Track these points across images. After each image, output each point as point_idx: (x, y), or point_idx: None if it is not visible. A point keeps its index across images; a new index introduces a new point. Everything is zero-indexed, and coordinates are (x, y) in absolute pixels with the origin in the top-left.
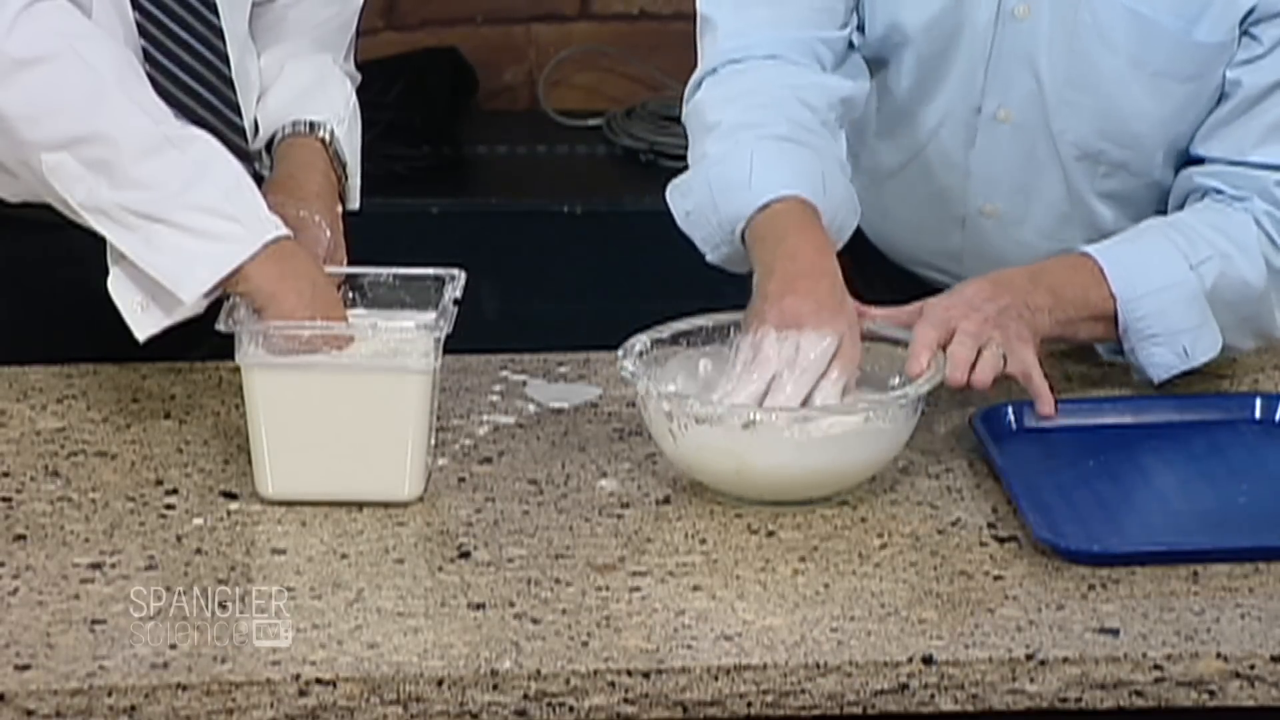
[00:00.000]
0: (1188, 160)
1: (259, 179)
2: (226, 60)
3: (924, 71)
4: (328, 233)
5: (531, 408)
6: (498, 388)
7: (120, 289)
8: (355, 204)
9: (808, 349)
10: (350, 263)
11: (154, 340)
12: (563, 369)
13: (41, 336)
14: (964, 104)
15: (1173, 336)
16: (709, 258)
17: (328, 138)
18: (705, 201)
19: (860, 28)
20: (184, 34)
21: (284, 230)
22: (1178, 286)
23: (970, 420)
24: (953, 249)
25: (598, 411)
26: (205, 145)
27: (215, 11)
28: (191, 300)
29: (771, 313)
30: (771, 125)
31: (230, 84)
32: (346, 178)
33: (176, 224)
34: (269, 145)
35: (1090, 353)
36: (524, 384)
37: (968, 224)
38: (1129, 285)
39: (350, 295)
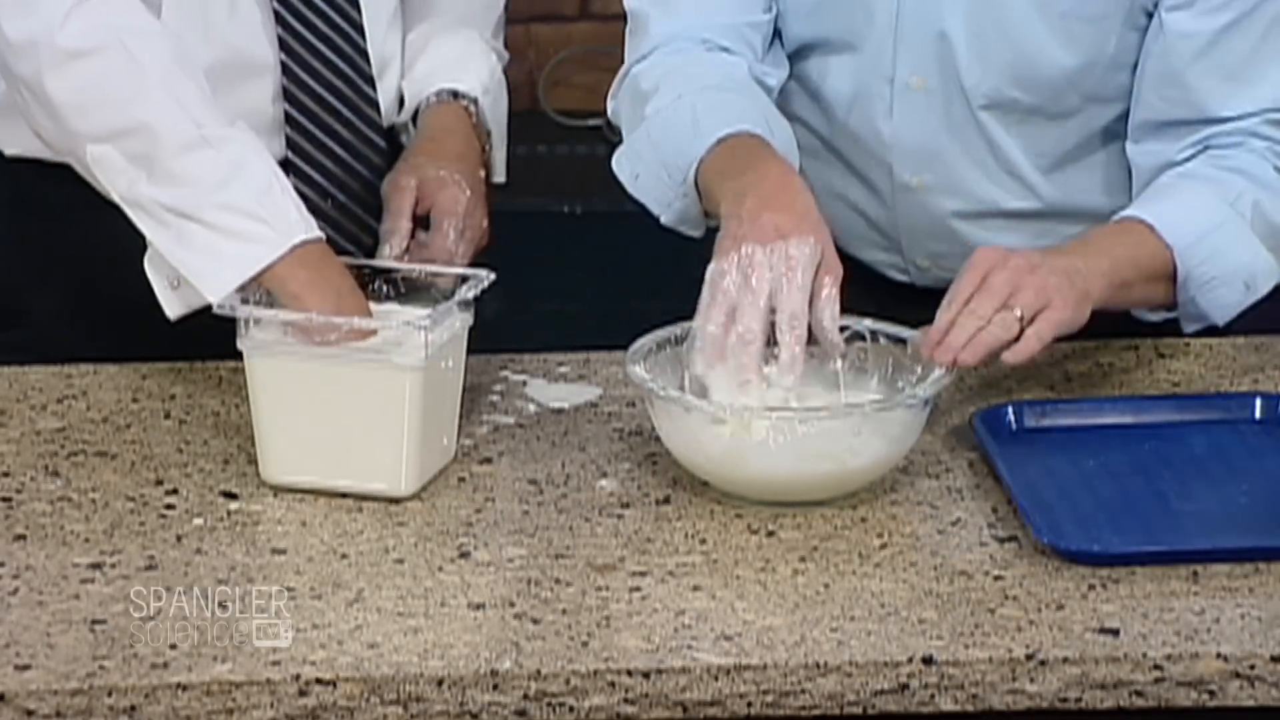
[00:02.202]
0: (1149, 127)
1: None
2: (362, 31)
3: (834, 45)
4: (467, 192)
5: (531, 408)
6: (498, 388)
7: (155, 266)
8: (501, 176)
9: (796, 254)
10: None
11: (201, 334)
12: (563, 369)
13: (94, 327)
14: (877, 74)
15: (1232, 274)
16: (663, 219)
17: (472, 106)
18: (652, 159)
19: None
20: (321, 3)
21: (314, 233)
22: (1225, 225)
23: (970, 420)
24: (886, 226)
25: (598, 411)
26: (241, 145)
27: None
28: (218, 300)
29: (751, 231)
30: (706, 79)
31: (365, 55)
32: (491, 148)
33: (208, 223)
34: (415, 117)
35: (1090, 352)
36: (524, 384)
37: (896, 197)
38: (1180, 234)
39: (384, 289)
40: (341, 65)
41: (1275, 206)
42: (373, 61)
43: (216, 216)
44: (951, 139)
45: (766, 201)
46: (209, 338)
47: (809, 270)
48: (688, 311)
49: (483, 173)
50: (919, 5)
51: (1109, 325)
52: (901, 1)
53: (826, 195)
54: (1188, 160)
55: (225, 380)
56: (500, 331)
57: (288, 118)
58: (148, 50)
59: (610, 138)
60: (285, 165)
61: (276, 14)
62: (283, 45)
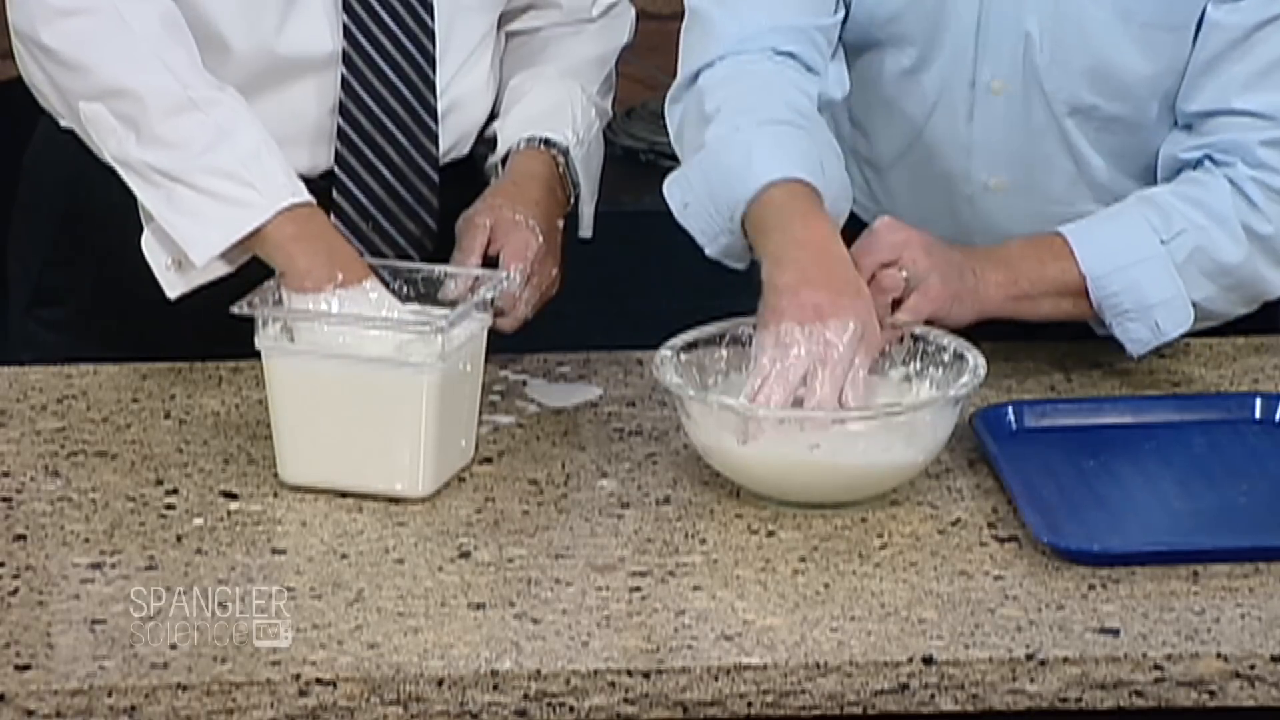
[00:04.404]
0: (1176, 122)
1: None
2: (433, 63)
3: (915, 50)
4: (539, 239)
5: (531, 408)
6: (498, 388)
7: (152, 248)
8: (587, 232)
9: (835, 340)
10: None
11: (229, 325)
12: (563, 369)
13: (127, 312)
14: (958, 78)
15: (1145, 311)
16: (708, 251)
17: (561, 157)
18: (703, 191)
19: (846, 12)
20: (392, 24)
21: (303, 197)
22: (1148, 261)
23: (970, 420)
24: (963, 230)
25: (598, 411)
26: (230, 110)
27: (430, 12)
28: (202, 262)
29: (790, 307)
30: (768, 110)
31: (432, 87)
32: (577, 202)
33: (195, 186)
34: (505, 160)
35: (1090, 352)
36: (524, 384)
37: (975, 201)
38: (1098, 261)
39: (404, 289)
40: (404, 91)
41: (1224, 246)
42: (439, 97)
43: (204, 180)
44: (1031, 143)
45: (806, 276)
46: (237, 330)
47: (845, 359)
48: (688, 311)
49: (561, 223)
50: (1001, 6)
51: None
52: (984, 2)
53: (900, 207)
54: (1187, 165)
55: (225, 380)
56: (494, 331)
57: (340, 133)
58: (139, 14)
59: (611, 137)
60: (330, 178)
61: (345, 28)
62: (346, 60)
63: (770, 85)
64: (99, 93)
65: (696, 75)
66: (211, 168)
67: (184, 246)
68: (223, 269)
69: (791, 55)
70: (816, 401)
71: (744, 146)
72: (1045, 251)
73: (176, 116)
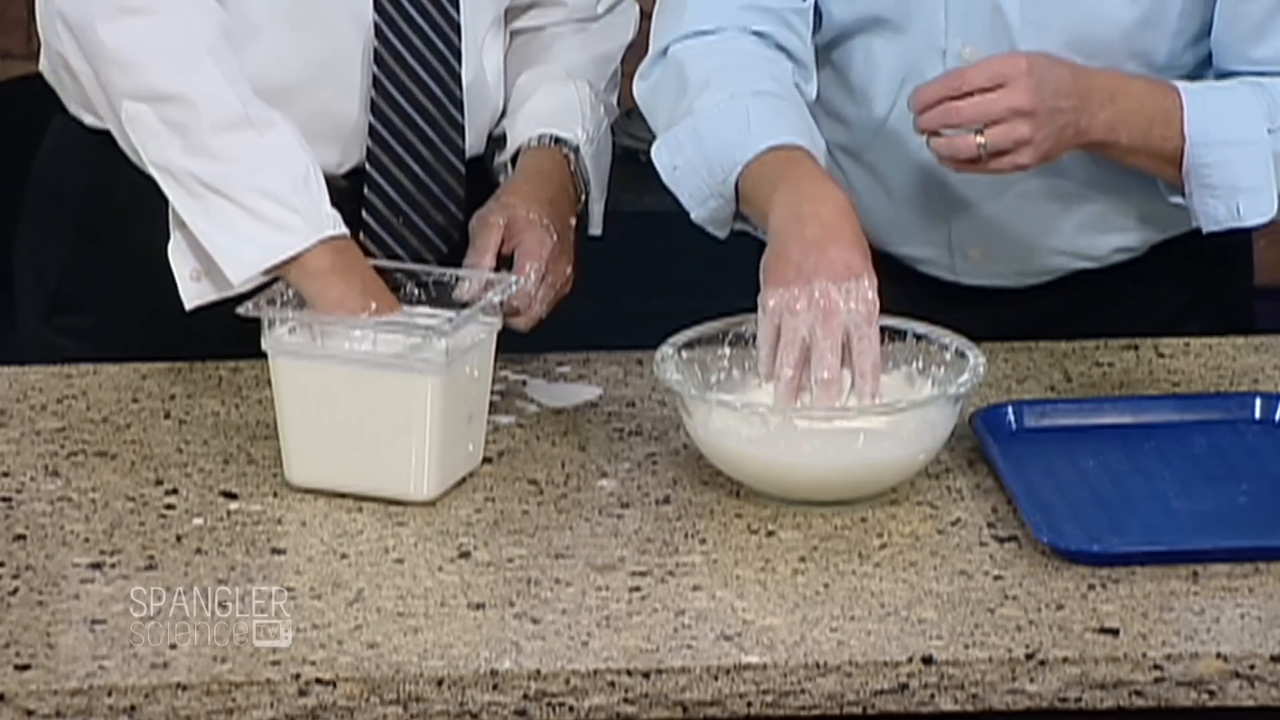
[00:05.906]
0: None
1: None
2: (459, 56)
3: (884, 28)
4: (554, 237)
5: (531, 408)
6: (498, 388)
7: (178, 255)
8: (597, 229)
9: (873, 298)
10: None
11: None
12: (563, 369)
13: (150, 320)
14: (928, 49)
15: (1230, 192)
16: (694, 215)
17: (572, 155)
18: (695, 154)
19: (817, 13)
20: (420, 19)
21: (342, 230)
22: (1250, 145)
23: (970, 420)
24: (937, 208)
25: (598, 411)
26: (283, 132)
27: (456, 4)
28: (238, 281)
29: (821, 263)
30: (759, 83)
31: (458, 79)
32: (588, 200)
33: (239, 203)
34: (514, 159)
35: (1090, 353)
36: (524, 384)
37: (951, 179)
38: (1203, 130)
39: (415, 292)
40: (432, 85)
41: None
42: (465, 88)
43: (249, 198)
44: None
45: (831, 232)
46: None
47: (877, 318)
48: (688, 311)
49: (574, 221)
50: None
51: (1109, 325)
52: None
53: (873, 194)
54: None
55: (225, 380)
56: (500, 331)
57: (371, 129)
58: (202, 20)
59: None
60: (361, 175)
61: (376, 27)
62: (377, 58)
63: (753, 62)
64: (148, 95)
65: (667, 49)
66: (258, 187)
67: (218, 260)
68: (248, 286)
69: (764, 35)
70: (870, 367)
71: (741, 112)
72: (1155, 110)
73: (230, 131)
